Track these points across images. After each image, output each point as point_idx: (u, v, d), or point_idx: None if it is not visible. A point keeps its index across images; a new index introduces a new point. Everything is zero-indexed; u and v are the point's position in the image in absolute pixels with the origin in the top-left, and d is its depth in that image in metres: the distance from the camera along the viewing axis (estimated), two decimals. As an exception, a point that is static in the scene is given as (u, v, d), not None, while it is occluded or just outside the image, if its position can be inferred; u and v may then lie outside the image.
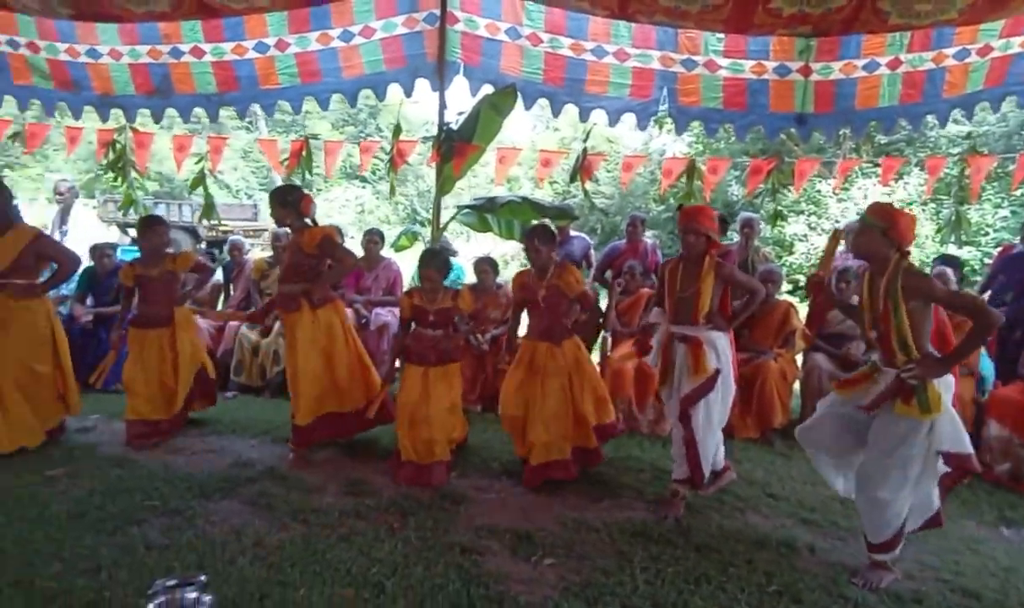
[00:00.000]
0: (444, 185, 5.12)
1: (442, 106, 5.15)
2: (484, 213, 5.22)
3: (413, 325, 3.81)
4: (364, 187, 22.51)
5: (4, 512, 2.96)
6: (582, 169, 5.33)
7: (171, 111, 5.77)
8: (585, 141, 5.44)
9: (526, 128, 24.79)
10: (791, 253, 13.95)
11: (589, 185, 5.67)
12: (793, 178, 5.18)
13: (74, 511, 3.00)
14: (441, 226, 5.23)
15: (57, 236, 6.58)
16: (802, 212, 14.19)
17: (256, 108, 5.84)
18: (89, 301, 5.69)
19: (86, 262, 5.75)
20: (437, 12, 5.02)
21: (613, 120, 5.25)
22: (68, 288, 5.86)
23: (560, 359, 3.59)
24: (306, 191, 4.05)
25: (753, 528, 3.21)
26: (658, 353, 3.41)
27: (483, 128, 5.01)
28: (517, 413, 3.64)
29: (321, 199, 22.03)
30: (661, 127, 12.58)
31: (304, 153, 5.66)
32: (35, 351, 3.97)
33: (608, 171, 16.48)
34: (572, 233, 6.18)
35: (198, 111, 5.75)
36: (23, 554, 2.59)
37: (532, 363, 3.63)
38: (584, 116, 5.23)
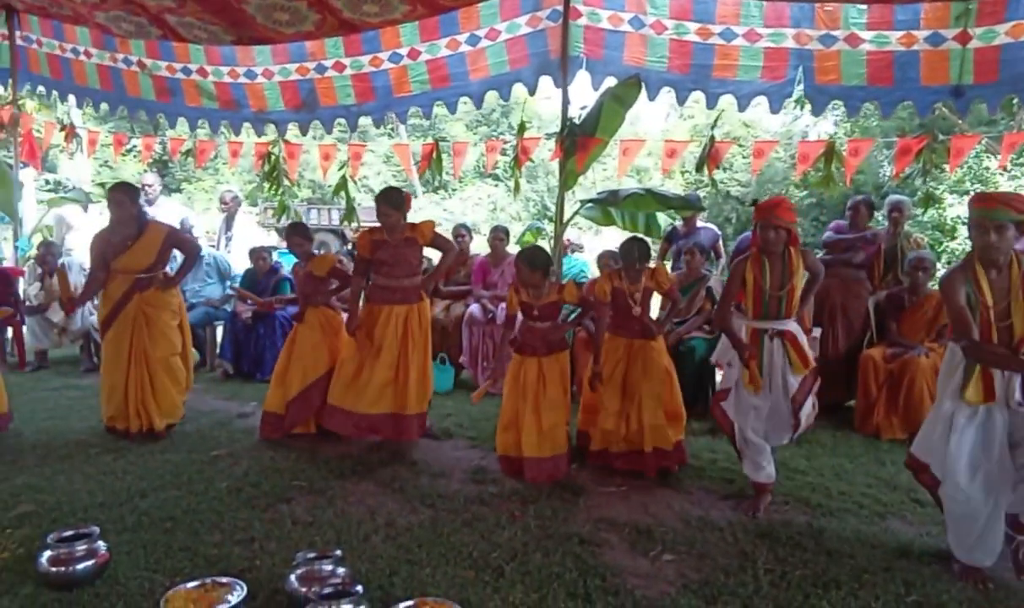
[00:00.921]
0: (567, 180, 5.15)
1: (565, 101, 5.17)
2: (607, 206, 5.19)
3: (522, 319, 3.86)
4: (496, 185, 23.07)
5: (177, 486, 3.38)
6: (709, 157, 5.16)
7: (317, 123, 6.27)
8: (713, 128, 5.25)
9: (658, 118, 24.26)
10: (953, 238, 12.61)
11: (723, 173, 5.49)
12: (948, 157, 4.72)
13: (233, 487, 3.35)
14: (565, 221, 5.27)
15: (223, 241, 7.34)
16: (967, 192, 12.80)
17: (392, 115, 6.18)
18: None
19: (247, 264, 6.38)
20: (560, 8, 5.06)
21: (743, 105, 5.04)
22: (231, 288, 6.53)
23: (659, 350, 3.75)
24: (407, 191, 4.26)
25: (894, 535, 2.98)
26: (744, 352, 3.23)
27: (606, 121, 4.97)
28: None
29: (456, 198, 22.83)
30: (802, 107, 11.85)
31: (434, 155, 5.90)
32: (174, 333, 4.37)
33: (744, 157, 15.76)
34: (700, 224, 5.99)
35: (341, 120, 6.20)
36: (191, 523, 2.94)
37: (630, 357, 3.72)
38: (711, 102, 5.05)
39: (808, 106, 5.21)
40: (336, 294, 4.66)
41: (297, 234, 4.50)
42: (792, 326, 3.19)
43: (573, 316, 4.10)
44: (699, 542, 2.87)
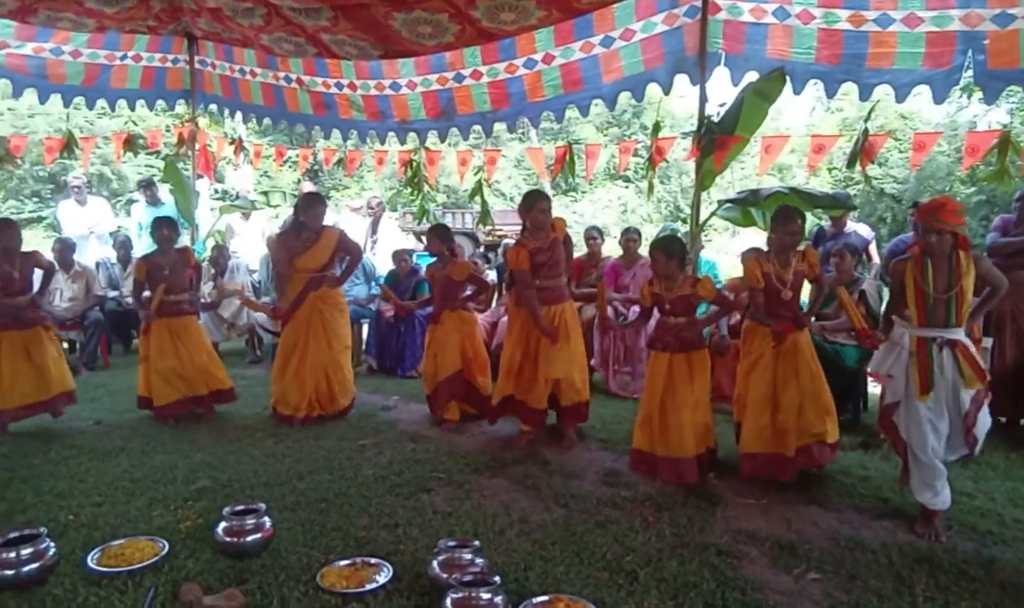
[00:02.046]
0: (704, 180, 5.00)
1: (703, 99, 5.04)
2: (747, 207, 4.99)
3: (657, 313, 3.81)
4: (627, 186, 22.81)
5: (329, 470, 3.64)
6: (862, 152, 4.81)
7: (454, 130, 6.51)
8: (866, 121, 4.90)
9: (802, 112, 22.96)
10: None
11: (878, 169, 5.12)
12: None
13: (379, 475, 3.57)
14: (701, 222, 5.12)
15: (369, 244, 7.80)
16: None
17: (524, 120, 6.30)
18: (391, 298, 6.64)
19: (390, 266, 6.74)
20: (698, 4, 4.93)
21: (901, 95, 4.65)
22: (376, 288, 6.93)
23: (807, 342, 3.55)
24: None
25: (1084, 572, 2.65)
26: (912, 361, 2.97)
27: (747, 117, 4.78)
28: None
29: (586, 200, 22.81)
30: (970, 96, 10.79)
31: (567, 158, 5.94)
32: (344, 329, 4.84)
33: (901, 151, 14.53)
34: (850, 224, 5.61)
35: (476, 127, 6.40)
36: (342, 506, 3.17)
37: (783, 349, 3.50)
38: (865, 93, 4.71)
39: (978, 94, 4.72)
40: (472, 299, 4.85)
41: (436, 235, 4.70)
42: (962, 336, 2.95)
43: (707, 313, 3.97)
44: (848, 562, 2.71)
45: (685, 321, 3.65)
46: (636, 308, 5.70)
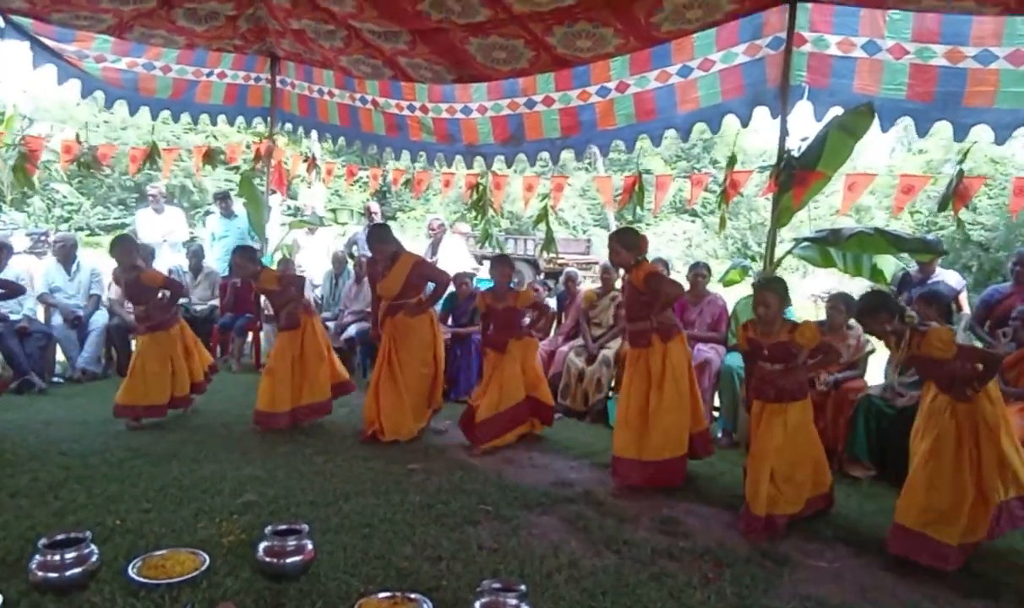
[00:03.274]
0: (781, 217, 4.76)
1: (783, 133, 4.82)
2: (827, 246, 4.72)
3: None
4: (693, 221, 22.39)
5: (375, 494, 3.56)
6: (955, 195, 4.50)
7: (520, 156, 6.47)
8: (961, 163, 4.59)
9: (882, 152, 22.16)
10: None
11: (966, 215, 4.77)
12: None
13: (425, 502, 3.46)
14: (775, 261, 4.88)
15: (429, 267, 7.81)
16: None
17: (592, 150, 6.20)
18: (449, 321, 6.59)
19: (450, 288, 6.70)
20: (782, 36, 4.75)
21: (1002, 137, 4.33)
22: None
23: (964, 422, 3.04)
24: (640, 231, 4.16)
25: None
26: None
27: (830, 153, 4.54)
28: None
29: (650, 233, 22.45)
30: (1073, 142, 10.17)
31: (636, 189, 5.80)
32: (423, 356, 4.78)
33: (990, 198, 13.75)
34: (939, 271, 5.26)
35: (543, 154, 6.34)
36: (386, 532, 3.07)
37: (956, 420, 3.07)
38: (960, 134, 4.41)
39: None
40: (534, 326, 4.77)
41: (507, 265, 4.75)
42: None
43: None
44: (933, 644, 2.43)
45: (782, 369, 3.42)
46: (700, 345, 5.48)
